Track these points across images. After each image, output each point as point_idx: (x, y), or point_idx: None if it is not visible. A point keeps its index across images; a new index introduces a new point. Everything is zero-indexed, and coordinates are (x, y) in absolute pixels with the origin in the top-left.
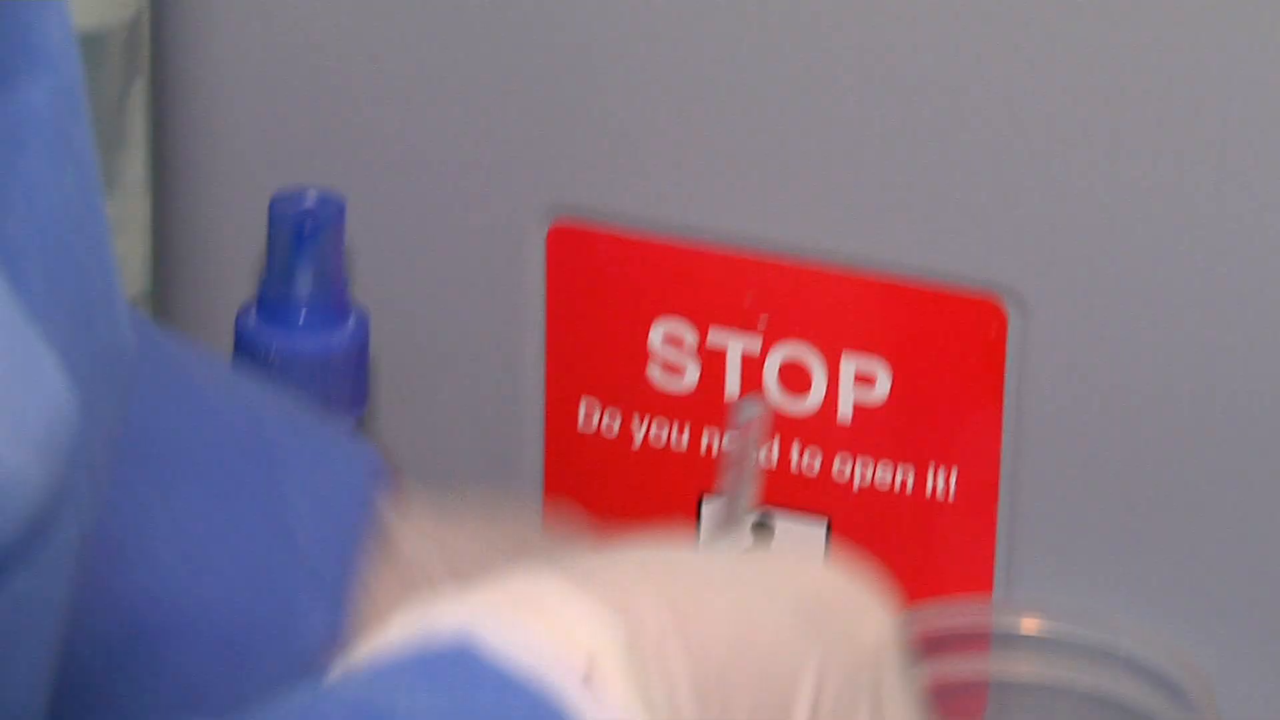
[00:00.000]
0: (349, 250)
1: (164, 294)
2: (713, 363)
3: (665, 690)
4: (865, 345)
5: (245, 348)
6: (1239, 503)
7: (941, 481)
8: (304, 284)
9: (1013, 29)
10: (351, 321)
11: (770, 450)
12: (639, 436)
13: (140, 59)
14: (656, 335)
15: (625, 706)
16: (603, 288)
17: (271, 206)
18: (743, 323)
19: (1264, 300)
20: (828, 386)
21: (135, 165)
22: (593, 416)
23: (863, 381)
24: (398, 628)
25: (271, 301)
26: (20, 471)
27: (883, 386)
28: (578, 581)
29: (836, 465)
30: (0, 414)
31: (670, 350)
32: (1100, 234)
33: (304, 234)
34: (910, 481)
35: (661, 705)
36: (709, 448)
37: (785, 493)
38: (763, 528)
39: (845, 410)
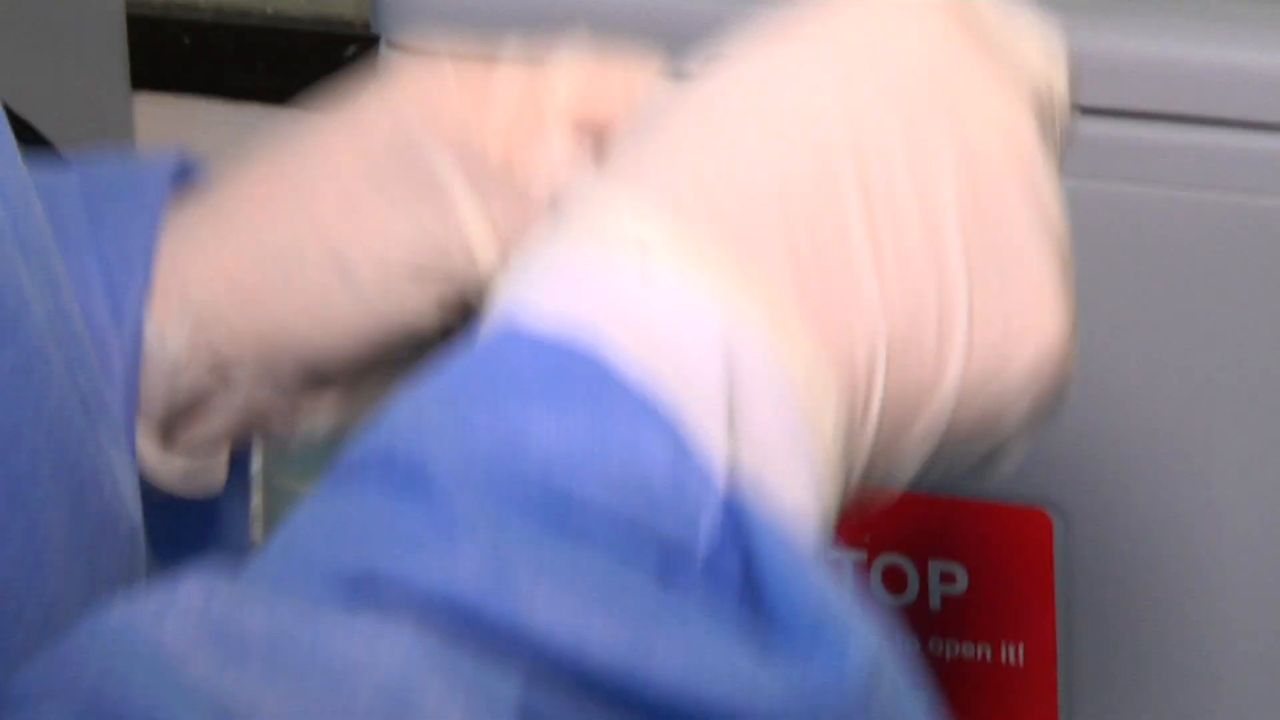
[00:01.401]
0: None
1: None
2: None
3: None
4: (947, 553)
5: None
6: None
7: (1012, 653)
8: None
9: None
10: None
11: None
12: None
13: None
14: None
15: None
16: None
17: None
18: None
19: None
20: (920, 585)
21: None
22: None
23: (946, 579)
24: (523, 296)
25: None
26: None
27: (962, 582)
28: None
29: (931, 645)
30: None
31: None
32: (1129, 459)
33: None
34: (988, 654)
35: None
36: None
37: None
38: None
39: (935, 602)
